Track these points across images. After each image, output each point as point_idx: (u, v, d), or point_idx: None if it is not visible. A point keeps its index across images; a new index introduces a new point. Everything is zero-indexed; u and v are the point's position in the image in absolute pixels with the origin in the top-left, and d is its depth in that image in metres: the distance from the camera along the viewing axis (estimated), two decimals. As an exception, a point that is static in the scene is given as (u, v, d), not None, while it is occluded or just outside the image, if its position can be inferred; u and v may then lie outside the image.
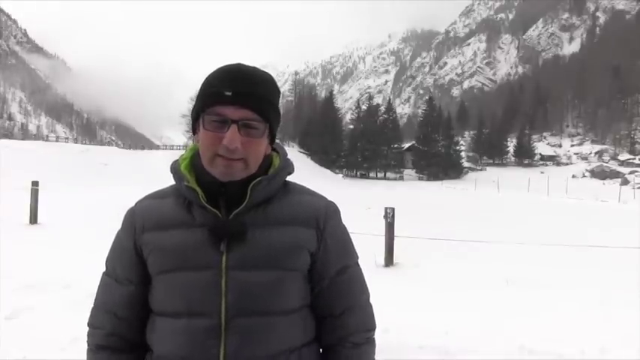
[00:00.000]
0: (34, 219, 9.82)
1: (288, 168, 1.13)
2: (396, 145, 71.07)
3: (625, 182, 59.66)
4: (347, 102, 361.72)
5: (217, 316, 1.00)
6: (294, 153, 50.00)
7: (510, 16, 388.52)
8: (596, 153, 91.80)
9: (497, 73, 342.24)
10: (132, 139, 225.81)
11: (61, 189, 18.02)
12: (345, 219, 1.20)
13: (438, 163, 69.13)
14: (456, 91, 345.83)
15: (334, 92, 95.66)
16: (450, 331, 3.97)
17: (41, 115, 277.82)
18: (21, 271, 5.48)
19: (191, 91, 68.21)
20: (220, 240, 1.02)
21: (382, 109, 78.28)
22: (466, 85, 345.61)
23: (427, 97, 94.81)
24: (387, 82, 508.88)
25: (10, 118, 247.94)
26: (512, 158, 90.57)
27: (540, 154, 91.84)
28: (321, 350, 1.15)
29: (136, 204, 1.14)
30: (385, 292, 4.22)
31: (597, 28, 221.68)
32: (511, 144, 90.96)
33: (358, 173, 68.58)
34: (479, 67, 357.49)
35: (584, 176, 71.97)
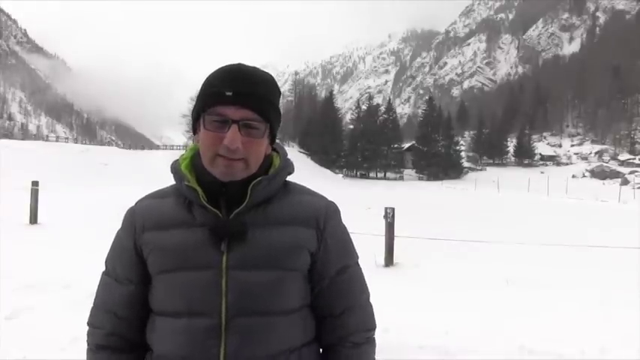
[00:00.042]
0: (34, 219, 9.83)
1: (289, 168, 1.13)
2: (396, 145, 71.03)
3: (625, 182, 59.65)
4: (347, 102, 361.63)
5: (217, 315, 1.00)
6: (294, 153, 50.00)
7: (510, 16, 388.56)
8: (596, 153, 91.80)
9: (497, 73, 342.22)
10: (132, 139, 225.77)
11: (61, 189, 18.01)
12: (345, 219, 1.20)
13: (438, 163, 69.11)
14: (456, 91, 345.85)
15: (334, 92, 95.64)
16: (450, 331, 3.97)
17: (41, 115, 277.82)
18: (21, 271, 5.48)
19: (191, 91, 68.24)
20: (221, 240, 1.02)
21: (382, 109, 78.23)
22: (466, 85, 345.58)
23: (427, 97, 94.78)
24: (387, 82, 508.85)
25: (10, 118, 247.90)
26: (512, 158, 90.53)
27: (540, 154, 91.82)
28: (321, 350, 1.15)
29: (136, 203, 1.14)
30: (385, 292, 4.22)
31: (597, 28, 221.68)
32: (511, 144, 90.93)
33: (358, 173, 68.56)
34: (479, 67, 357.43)
35: (584, 176, 71.96)
